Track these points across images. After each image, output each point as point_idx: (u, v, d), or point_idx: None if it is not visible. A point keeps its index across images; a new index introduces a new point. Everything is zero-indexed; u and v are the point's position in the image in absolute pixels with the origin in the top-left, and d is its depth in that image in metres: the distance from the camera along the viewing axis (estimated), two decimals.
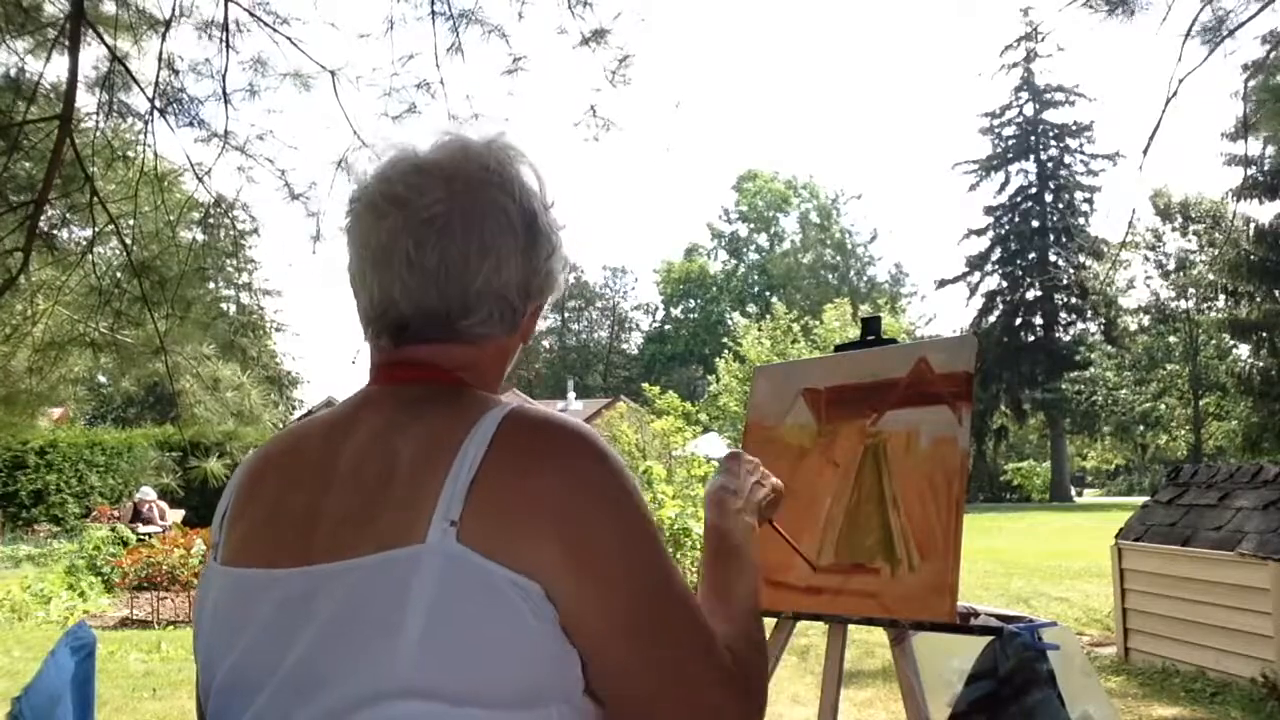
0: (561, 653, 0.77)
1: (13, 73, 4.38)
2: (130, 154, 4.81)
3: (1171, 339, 38.47)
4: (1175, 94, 5.22)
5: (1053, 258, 38.72)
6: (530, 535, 0.76)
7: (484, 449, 0.78)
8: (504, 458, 0.78)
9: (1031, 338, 38.39)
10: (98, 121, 4.66)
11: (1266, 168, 22.50)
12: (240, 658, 0.82)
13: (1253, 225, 25.56)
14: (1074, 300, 37.93)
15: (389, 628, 0.73)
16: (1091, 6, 5.18)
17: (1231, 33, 5.13)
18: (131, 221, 4.76)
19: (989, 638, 1.46)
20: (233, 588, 0.86)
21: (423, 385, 0.90)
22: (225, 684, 0.84)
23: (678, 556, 7.90)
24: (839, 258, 54.20)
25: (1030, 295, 38.46)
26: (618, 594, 0.79)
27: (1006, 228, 39.75)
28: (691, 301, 57.02)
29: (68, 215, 4.74)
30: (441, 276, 0.87)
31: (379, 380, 0.93)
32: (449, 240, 0.87)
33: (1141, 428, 40.54)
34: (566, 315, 60.28)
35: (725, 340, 23.78)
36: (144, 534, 12.11)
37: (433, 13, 4.74)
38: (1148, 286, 43.01)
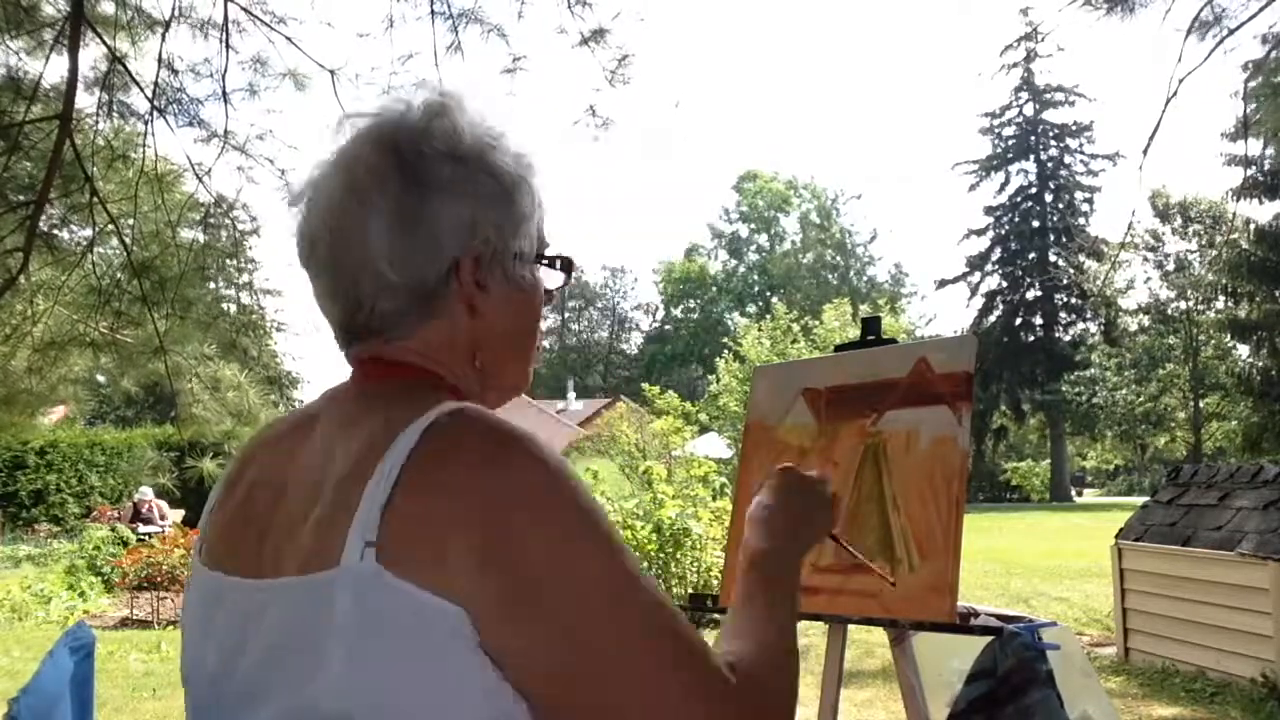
0: (495, 684, 0.70)
1: (13, 73, 4.38)
2: (130, 154, 4.81)
3: (1171, 339, 38.43)
4: (1175, 94, 5.23)
5: (1053, 258, 38.70)
6: (450, 554, 0.69)
7: (403, 459, 0.72)
8: (424, 468, 0.72)
9: (1031, 338, 38.37)
10: (97, 121, 4.67)
11: (1266, 168, 22.48)
12: (210, 658, 0.82)
13: (1252, 225, 25.55)
14: (1074, 300, 37.92)
15: (315, 654, 0.70)
16: (1091, 4, 5.18)
17: (1232, 31, 5.13)
18: (131, 221, 4.76)
19: (989, 638, 1.46)
20: (202, 588, 0.87)
21: (377, 384, 0.86)
22: (195, 681, 0.85)
23: (677, 557, 7.83)
24: (839, 258, 54.20)
25: (1030, 295, 38.46)
26: (554, 628, 0.70)
27: (1006, 228, 39.74)
28: (691, 302, 56.98)
29: (68, 215, 4.75)
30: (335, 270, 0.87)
31: (352, 378, 0.90)
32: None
33: (1141, 428, 40.51)
34: (566, 315, 60.29)
35: (725, 340, 23.74)
36: (144, 534, 12.12)
37: (432, 12, 4.73)
38: (1147, 287, 43.04)
